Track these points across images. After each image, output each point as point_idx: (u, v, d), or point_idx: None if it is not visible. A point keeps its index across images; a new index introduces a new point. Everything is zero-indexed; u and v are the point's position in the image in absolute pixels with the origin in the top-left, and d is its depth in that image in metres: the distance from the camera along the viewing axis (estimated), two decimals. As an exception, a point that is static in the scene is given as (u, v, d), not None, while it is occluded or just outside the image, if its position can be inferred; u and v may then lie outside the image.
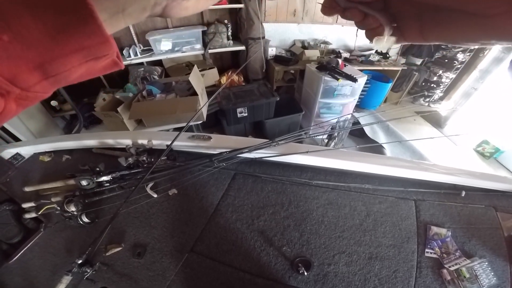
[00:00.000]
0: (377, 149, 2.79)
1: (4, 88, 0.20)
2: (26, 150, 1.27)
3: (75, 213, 0.91)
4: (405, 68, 3.60)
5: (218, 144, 1.10)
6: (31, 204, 0.95)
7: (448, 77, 3.76)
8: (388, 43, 0.30)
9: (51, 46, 0.19)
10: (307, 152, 1.03)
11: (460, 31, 0.25)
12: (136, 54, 2.71)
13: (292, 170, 1.16)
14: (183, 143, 1.12)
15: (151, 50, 2.77)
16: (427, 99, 4.10)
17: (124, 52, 2.66)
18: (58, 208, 0.91)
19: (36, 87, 0.22)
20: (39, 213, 0.94)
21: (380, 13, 0.29)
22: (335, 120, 2.18)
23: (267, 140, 1.06)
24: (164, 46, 2.74)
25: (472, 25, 0.23)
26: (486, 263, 0.87)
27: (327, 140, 2.37)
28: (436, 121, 3.77)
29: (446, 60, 3.69)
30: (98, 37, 0.21)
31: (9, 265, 0.92)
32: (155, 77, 2.69)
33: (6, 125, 2.07)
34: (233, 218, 1.00)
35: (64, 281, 0.80)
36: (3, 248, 0.95)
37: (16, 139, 2.12)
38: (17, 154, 1.24)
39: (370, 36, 0.32)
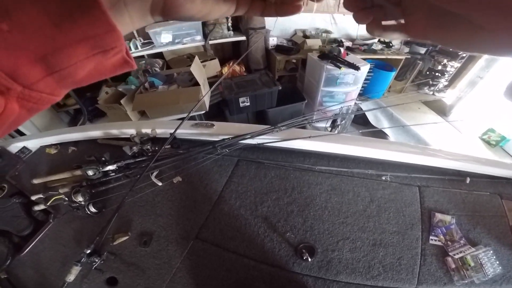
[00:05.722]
0: (381, 136, 2.77)
1: (3, 84, 0.18)
2: (33, 144, 1.29)
3: (82, 203, 0.93)
4: (409, 57, 3.53)
5: (221, 131, 1.11)
6: (40, 196, 0.97)
7: (453, 66, 3.67)
8: (392, 37, 0.31)
9: (54, 35, 0.18)
10: (309, 137, 1.03)
11: (461, 38, 0.26)
12: (136, 48, 2.70)
13: (295, 155, 1.16)
14: (186, 131, 1.12)
15: (152, 43, 2.75)
16: (432, 88, 4.04)
17: (125, 45, 2.65)
18: (66, 198, 0.93)
19: (39, 84, 0.20)
20: (48, 204, 0.96)
21: (393, 5, 0.29)
22: (338, 108, 2.16)
23: (269, 126, 1.05)
24: (164, 38, 2.72)
25: (473, 34, 0.24)
26: (491, 252, 0.86)
27: (330, 128, 2.36)
28: (441, 110, 3.72)
29: (451, 49, 3.60)
30: (103, 25, 0.19)
31: (21, 258, 0.94)
32: (157, 69, 2.68)
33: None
34: (237, 204, 1.01)
35: (74, 272, 0.81)
36: (15, 240, 0.97)
37: (22, 134, 2.14)
38: (24, 147, 1.25)
39: (374, 28, 0.31)
